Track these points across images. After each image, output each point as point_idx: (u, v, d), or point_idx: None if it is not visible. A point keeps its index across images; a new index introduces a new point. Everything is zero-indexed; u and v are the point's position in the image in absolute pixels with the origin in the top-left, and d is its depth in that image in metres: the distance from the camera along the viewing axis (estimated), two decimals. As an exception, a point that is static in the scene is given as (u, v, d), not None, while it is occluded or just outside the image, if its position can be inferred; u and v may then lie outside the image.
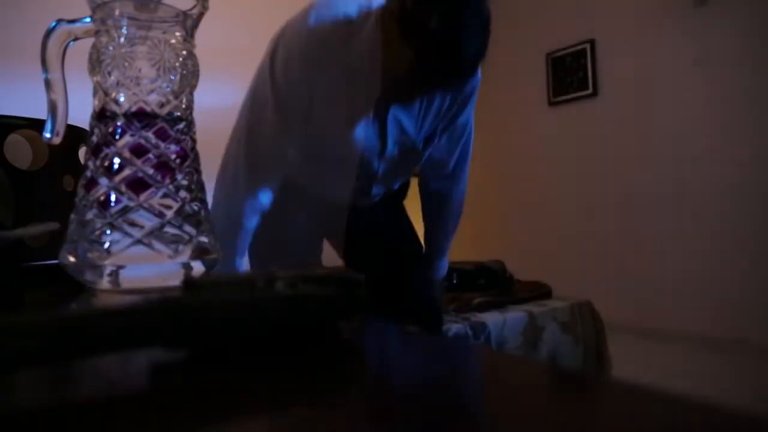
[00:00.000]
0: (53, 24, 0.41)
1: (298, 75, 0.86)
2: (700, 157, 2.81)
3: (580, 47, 3.38)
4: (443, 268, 1.27)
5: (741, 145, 2.66)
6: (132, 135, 0.38)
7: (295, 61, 0.85)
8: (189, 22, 0.41)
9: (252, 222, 0.96)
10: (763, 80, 2.58)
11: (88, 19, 0.40)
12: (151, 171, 0.38)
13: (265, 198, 0.94)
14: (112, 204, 0.37)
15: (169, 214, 0.38)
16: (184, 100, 0.41)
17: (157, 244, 0.37)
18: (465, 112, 1.03)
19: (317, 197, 1.02)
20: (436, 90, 0.88)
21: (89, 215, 0.37)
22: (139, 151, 0.38)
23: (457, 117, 1.03)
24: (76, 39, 0.42)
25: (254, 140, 0.91)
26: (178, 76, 0.39)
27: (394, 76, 0.83)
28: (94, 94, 0.39)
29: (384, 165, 0.98)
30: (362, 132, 0.92)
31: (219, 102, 2.74)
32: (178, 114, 0.40)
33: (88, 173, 0.38)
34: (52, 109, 0.42)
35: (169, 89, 0.39)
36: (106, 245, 0.36)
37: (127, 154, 0.37)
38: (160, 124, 0.39)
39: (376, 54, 0.82)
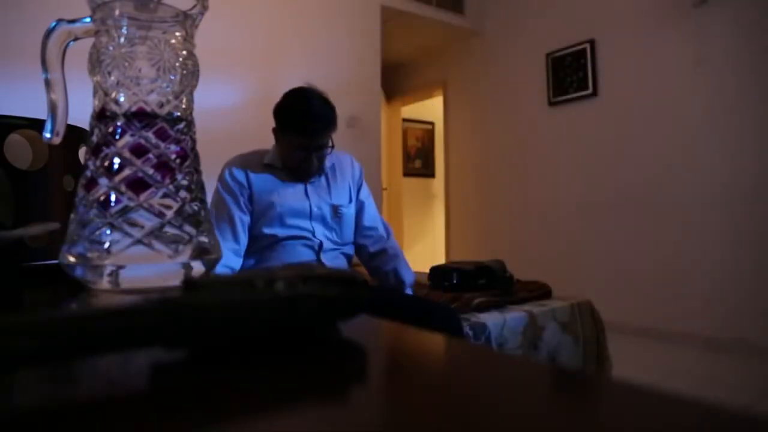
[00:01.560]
0: (53, 24, 0.41)
1: (238, 174, 1.39)
2: (700, 157, 2.81)
3: (580, 47, 3.38)
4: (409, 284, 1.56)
5: (741, 145, 2.66)
6: (132, 135, 0.38)
7: (236, 167, 1.41)
8: (189, 22, 0.41)
9: (235, 262, 1.36)
10: (763, 80, 2.58)
11: (88, 19, 0.40)
12: (151, 171, 0.38)
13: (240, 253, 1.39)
14: (112, 204, 0.37)
15: (169, 214, 0.38)
16: (184, 100, 0.41)
17: (157, 244, 0.37)
18: (362, 192, 1.54)
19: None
20: (306, 151, 1.35)
21: (89, 215, 0.37)
22: (139, 151, 0.38)
23: (358, 193, 1.54)
24: (76, 39, 0.42)
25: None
26: (178, 76, 0.39)
27: (289, 165, 1.39)
28: (94, 94, 0.39)
29: (318, 225, 1.43)
30: (293, 198, 1.41)
31: (219, 102, 2.75)
32: (178, 114, 0.40)
33: (88, 173, 0.38)
34: (52, 109, 0.42)
35: (169, 89, 0.39)
36: (106, 245, 0.36)
37: (127, 154, 0.37)
38: (160, 124, 0.39)
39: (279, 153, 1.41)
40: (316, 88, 1.39)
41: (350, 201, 1.50)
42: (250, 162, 1.42)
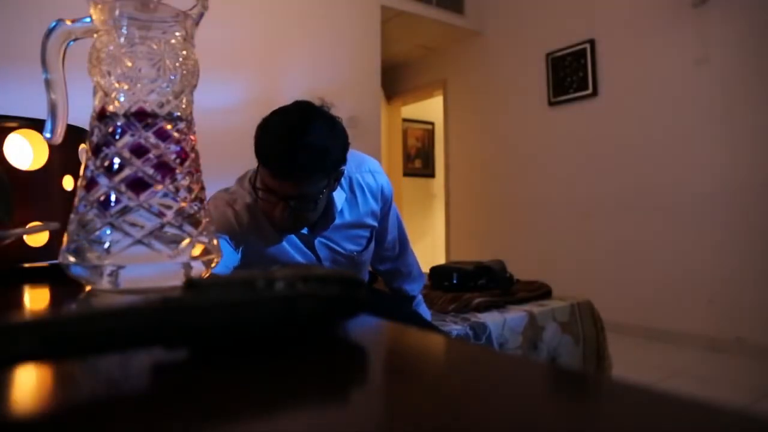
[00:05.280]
0: (53, 24, 0.41)
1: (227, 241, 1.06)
2: (700, 157, 2.81)
3: (580, 47, 3.38)
4: (424, 309, 1.46)
5: (741, 146, 2.66)
6: (132, 135, 0.38)
7: (224, 235, 1.06)
8: (189, 22, 0.41)
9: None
10: (763, 80, 2.58)
11: (88, 19, 0.40)
12: (151, 171, 0.38)
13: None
14: (112, 204, 0.37)
15: (169, 214, 0.38)
16: (184, 100, 0.41)
17: (157, 244, 0.37)
18: (386, 219, 1.25)
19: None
20: (280, 198, 0.98)
21: (89, 215, 0.37)
22: (139, 151, 0.38)
23: (382, 224, 1.24)
24: (76, 39, 0.42)
25: None
26: (178, 76, 0.39)
27: (262, 210, 1.03)
28: (94, 94, 0.39)
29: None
30: (300, 255, 1.13)
31: (219, 102, 2.75)
32: (178, 114, 0.40)
33: (88, 173, 0.38)
34: (52, 109, 0.42)
35: (169, 89, 0.39)
36: (106, 245, 0.36)
37: (127, 154, 0.37)
38: (160, 124, 0.39)
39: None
40: (323, 107, 1.01)
41: (370, 238, 1.24)
42: (236, 226, 1.07)
